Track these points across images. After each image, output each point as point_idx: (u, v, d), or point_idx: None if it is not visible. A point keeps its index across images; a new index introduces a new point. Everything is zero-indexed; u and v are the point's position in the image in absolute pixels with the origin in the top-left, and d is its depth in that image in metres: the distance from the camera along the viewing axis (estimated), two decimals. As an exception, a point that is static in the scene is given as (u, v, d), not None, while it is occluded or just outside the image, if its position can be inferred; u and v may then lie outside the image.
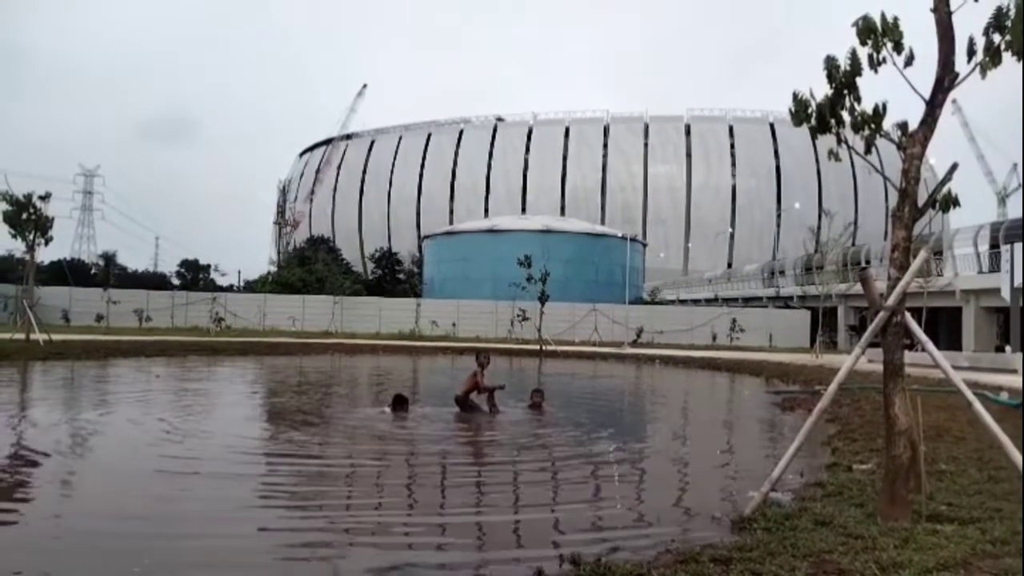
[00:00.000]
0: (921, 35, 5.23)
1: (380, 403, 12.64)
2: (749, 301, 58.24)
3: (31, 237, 24.99)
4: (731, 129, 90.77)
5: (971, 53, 4.95)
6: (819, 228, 56.55)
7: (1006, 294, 32.13)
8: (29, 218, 24.63)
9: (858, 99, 5.36)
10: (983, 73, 4.97)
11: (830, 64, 5.31)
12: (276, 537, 5.24)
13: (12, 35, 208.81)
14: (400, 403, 11.26)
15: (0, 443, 8.38)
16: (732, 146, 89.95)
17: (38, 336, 23.46)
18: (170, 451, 8.26)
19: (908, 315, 5.23)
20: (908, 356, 5.40)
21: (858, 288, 37.85)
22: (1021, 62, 4.71)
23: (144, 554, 4.61)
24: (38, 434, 9.18)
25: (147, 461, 7.74)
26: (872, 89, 5.37)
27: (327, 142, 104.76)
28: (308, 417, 11.35)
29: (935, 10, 4.97)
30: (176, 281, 77.55)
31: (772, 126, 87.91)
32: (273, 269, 73.36)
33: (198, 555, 4.77)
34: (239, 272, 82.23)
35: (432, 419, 11.17)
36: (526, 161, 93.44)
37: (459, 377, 12.02)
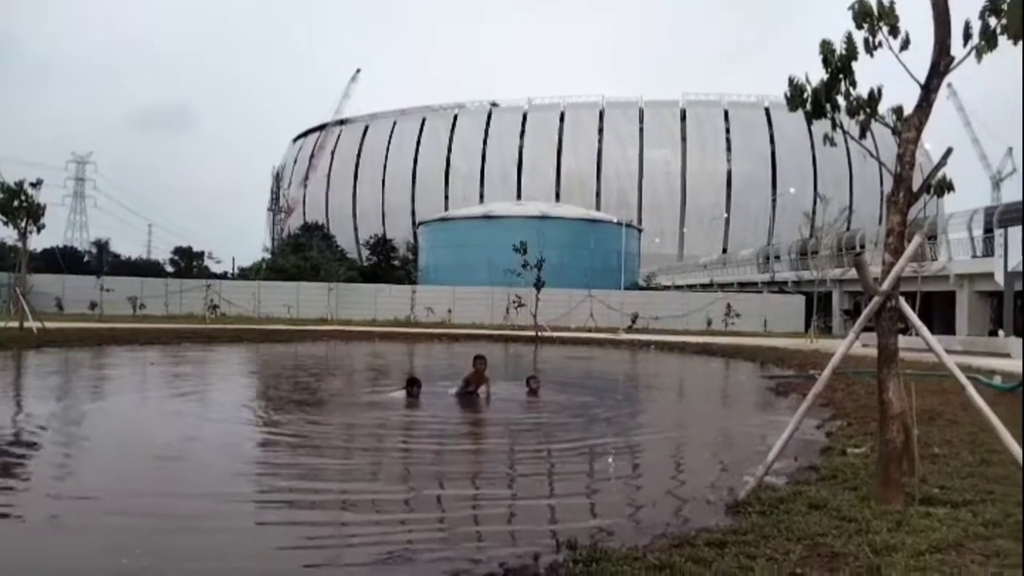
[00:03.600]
0: (917, 19, 5.21)
1: (390, 386, 13.11)
2: (744, 286, 58.36)
3: (23, 224, 24.82)
4: (726, 114, 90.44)
5: (967, 37, 4.93)
6: (814, 213, 56.60)
7: (1000, 278, 32.26)
8: (21, 205, 24.45)
9: (853, 84, 5.35)
10: (979, 57, 4.96)
11: (826, 48, 5.29)
12: (281, 525, 5.27)
13: (4, 22, 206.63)
14: (413, 384, 11.61)
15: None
16: (727, 131, 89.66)
17: (31, 324, 23.38)
18: (183, 436, 8.28)
19: (902, 300, 5.24)
20: (902, 340, 5.42)
21: (853, 273, 37.96)
22: (1018, 45, 4.69)
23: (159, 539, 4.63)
24: (30, 423, 9.16)
25: (164, 448, 7.77)
26: (867, 73, 5.35)
27: (321, 128, 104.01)
28: (328, 400, 12.01)
29: (931, -7, 4.94)
30: (170, 268, 77.44)
31: (767, 111, 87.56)
32: (267, 256, 73.19)
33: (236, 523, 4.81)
34: (233, 259, 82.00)
35: (440, 401, 11.47)
36: (521, 146, 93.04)
37: (457, 362, 12.14)
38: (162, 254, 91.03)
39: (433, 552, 4.61)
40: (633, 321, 40.79)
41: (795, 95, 5.49)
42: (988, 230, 35.96)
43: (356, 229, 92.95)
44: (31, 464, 7.00)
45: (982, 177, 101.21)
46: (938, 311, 40.98)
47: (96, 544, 4.63)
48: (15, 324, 23.62)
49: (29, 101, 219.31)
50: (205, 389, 13.66)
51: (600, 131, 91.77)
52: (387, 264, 72.21)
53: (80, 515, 5.24)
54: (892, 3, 5.06)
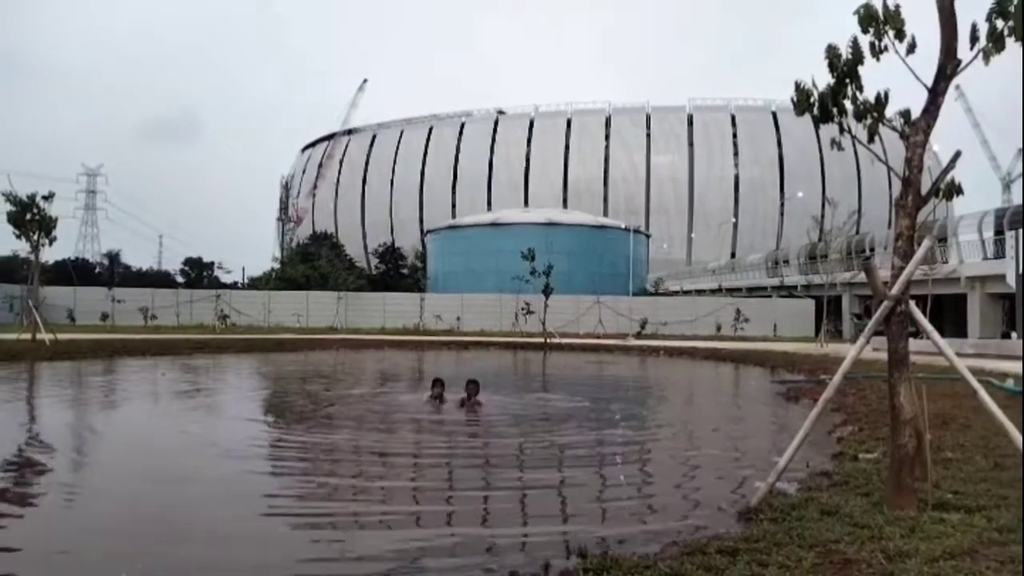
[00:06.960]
0: (923, 22, 5.20)
1: (415, 389, 13.75)
2: (753, 291, 58.06)
3: (35, 237, 25.04)
4: (733, 118, 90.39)
5: (974, 39, 4.91)
6: (823, 217, 56.39)
7: (1011, 280, 31.97)
8: (33, 218, 24.68)
9: (860, 88, 5.33)
10: (986, 59, 4.93)
11: (832, 53, 5.29)
12: (284, 519, 5.28)
13: (13, 35, 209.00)
14: (436, 384, 11.94)
15: (11, 440, 8.44)
16: (735, 135, 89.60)
17: (44, 336, 23.55)
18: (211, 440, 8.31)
19: (912, 304, 5.21)
20: (913, 344, 5.39)
21: (863, 276, 37.65)
22: (1024, 47, 4.68)
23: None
24: (45, 434, 9.23)
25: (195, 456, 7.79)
26: (874, 77, 5.34)
27: (329, 137, 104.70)
28: (367, 405, 12.23)
29: (937, -4, 4.93)
30: (180, 279, 78.03)
31: (775, 115, 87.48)
32: (277, 266, 73.53)
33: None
34: (243, 269, 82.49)
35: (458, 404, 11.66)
36: (528, 153, 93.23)
37: (464, 369, 12.16)
38: (173, 265, 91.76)
39: (444, 559, 4.61)
40: (642, 327, 40.69)
41: (802, 100, 5.48)
42: (999, 232, 35.69)
43: (365, 238, 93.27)
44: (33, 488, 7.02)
45: (992, 179, 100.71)
46: (949, 314, 40.69)
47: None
48: (28, 336, 23.79)
49: (40, 114, 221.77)
50: (225, 403, 13.58)
51: (607, 137, 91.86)
52: (396, 272, 72.43)
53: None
54: (898, 6, 5.05)
